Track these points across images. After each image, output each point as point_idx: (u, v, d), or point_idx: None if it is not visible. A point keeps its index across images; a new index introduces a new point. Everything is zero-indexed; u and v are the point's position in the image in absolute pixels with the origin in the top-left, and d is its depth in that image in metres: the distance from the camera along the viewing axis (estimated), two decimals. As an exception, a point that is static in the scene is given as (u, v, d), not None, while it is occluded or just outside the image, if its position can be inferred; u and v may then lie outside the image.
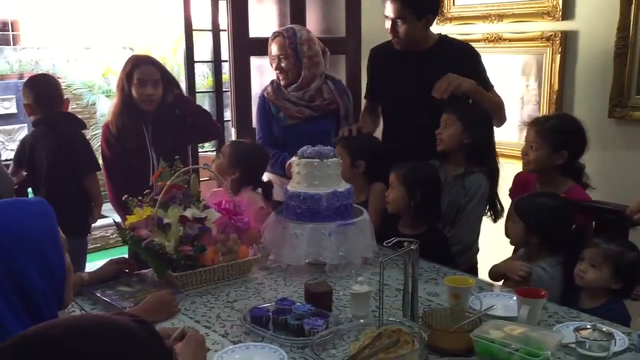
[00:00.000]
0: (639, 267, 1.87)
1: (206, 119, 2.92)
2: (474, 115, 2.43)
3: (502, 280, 2.11)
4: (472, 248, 2.47)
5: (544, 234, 2.05)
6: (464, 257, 2.40)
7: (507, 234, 2.19)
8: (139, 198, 2.04)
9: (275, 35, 2.83)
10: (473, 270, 2.43)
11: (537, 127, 2.28)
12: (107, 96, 6.85)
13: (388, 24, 2.58)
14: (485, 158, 2.42)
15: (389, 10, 2.53)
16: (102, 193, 3.10)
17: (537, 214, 2.06)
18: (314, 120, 2.82)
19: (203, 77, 6.28)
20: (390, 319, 1.65)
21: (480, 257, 2.53)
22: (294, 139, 2.67)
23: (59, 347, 0.77)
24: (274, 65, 2.84)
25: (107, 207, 4.94)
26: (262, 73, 3.27)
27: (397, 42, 2.60)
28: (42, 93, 2.97)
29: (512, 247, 2.28)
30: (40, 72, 6.01)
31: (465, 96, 2.49)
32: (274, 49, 2.81)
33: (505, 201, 2.48)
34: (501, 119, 2.60)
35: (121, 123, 2.70)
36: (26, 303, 1.11)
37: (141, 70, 2.67)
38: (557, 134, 2.23)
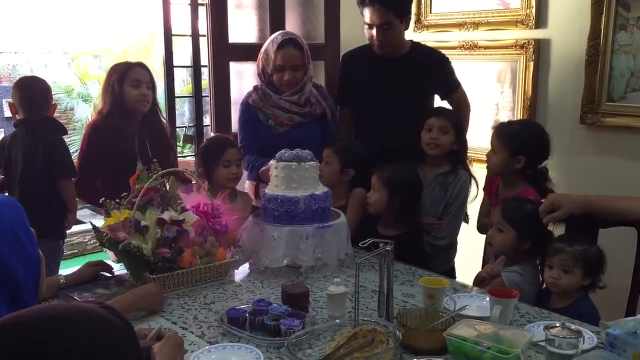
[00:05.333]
0: (600, 258, 1.93)
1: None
2: (461, 123, 2.54)
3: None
4: (455, 246, 2.55)
5: (536, 240, 2.06)
6: (448, 255, 2.49)
7: (491, 243, 2.17)
8: (117, 200, 2.04)
9: (286, 42, 2.64)
10: (451, 273, 2.48)
11: (498, 131, 2.35)
12: (85, 101, 6.80)
13: (368, 32, 2.62)
14: (464, 161, 2.54)
15: (373, 17, 2.56)
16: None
17: (529, 221, 2.06)
18: (301, 126, 2.74)
19: (182, 83, 6.27)
20: (366, 319, 1.67)
21: (457, 260, 2.58)
22: (283, 145, 2.65)
23: (32, 334, 0.78)
24: (281, 76, 2.66)
25: (84, 213, 4.91)
26: (242, 78, 3.27)
27: (381, 48, 2.64)
28: (28, 95, 2.96)
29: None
30: (18, 76, 5.95)
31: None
32: (283, 58, 2.64)
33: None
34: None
35: (111, 122, 2.74)
36: (7, 288, 1.11)
37: (135, 72, 2.78)
38: (515, 140, 2.28)
